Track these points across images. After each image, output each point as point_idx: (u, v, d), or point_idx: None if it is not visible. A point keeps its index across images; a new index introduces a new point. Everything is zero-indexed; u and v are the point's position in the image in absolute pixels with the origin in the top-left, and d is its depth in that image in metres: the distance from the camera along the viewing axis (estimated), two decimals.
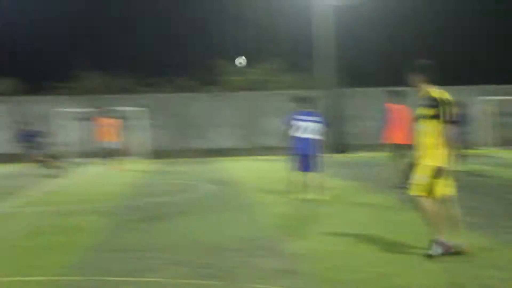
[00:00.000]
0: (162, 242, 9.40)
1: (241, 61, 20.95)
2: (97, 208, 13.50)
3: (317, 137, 13.59)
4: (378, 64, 43.58)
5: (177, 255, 8.44)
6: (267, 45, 45.62)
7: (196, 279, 7.19)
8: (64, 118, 35.22)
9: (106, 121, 25.77)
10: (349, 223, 10.79)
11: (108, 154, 25.95)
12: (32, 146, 21.75)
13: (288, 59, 42.32)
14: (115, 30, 49.70)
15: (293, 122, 13.48)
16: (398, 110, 15.55)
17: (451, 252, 7.80)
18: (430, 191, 7.88)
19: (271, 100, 36.72)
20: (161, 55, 48.56)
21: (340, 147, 33.81)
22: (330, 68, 35.47)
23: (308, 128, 13.48)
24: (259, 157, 32.58)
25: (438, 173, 7.80)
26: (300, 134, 13.46)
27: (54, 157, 22.19)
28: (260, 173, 22.36)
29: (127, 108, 34.88)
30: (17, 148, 23.58)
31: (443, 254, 7.76)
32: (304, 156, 13.52)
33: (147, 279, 7.19)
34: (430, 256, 7.76)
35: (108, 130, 25.54)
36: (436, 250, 7.81)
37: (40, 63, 47.39)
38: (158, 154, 35.02)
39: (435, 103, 7.84)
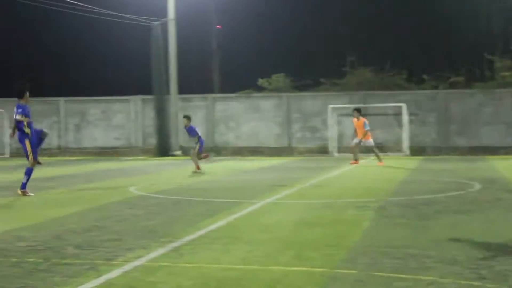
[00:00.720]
0: (430, 240, 9.10)
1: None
2: (362, 202, 13.46)
3: None
4: None
5: (446, 253, 8.10)
6: None
7: (467, 280, 6.83)
8: (336, 113, 35.94)
9: (361, 120, 25.90)
10: None
11: (370, 149, 26.21)
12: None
13: None
14: (385, 26, 49.77)
15: None
16: None
17: None
18: None
19: None
20: (429, 50, 47.78)
21: None
22: None
23: None
24: None
25: None
26: None
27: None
28: None
29: (388, 105, 34.78)
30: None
31: None
32: None
33: (419, 277, 6.97)
34: None
35: (361, 128, 25.75)
36: None
37: (310, 60, 48.74)
38: (417, 151, 34.47)
39: None
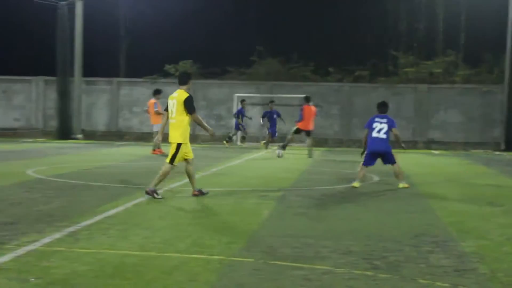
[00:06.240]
0: (327, 230, 9.26)
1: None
2: (263, 192, 13.55)
3: None
4: None
5: (343, 244, 8.25)
6: (441, 37, 44.48)
7: (362, 270, 6.98)
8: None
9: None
10: None
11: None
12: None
13: (465, 52, 41.15)
14: (294, 17, 50.03)
15: None
16: None
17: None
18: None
19: (447, 94, 35.79)
20: (335, 44, 48.29)
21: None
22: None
23: None
24: (429, 151, 31.75)
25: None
26: None
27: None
28: (432, 167, 21.79)
29: (294, 96, 35.01)
30: None
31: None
32: None
33: (315, 266, 7.06)
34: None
35: None
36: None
37: (218, 48, 48.50)
38: (320, 142, 34.82)
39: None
